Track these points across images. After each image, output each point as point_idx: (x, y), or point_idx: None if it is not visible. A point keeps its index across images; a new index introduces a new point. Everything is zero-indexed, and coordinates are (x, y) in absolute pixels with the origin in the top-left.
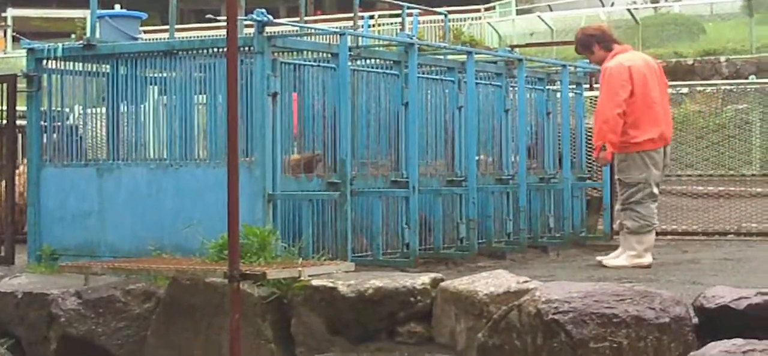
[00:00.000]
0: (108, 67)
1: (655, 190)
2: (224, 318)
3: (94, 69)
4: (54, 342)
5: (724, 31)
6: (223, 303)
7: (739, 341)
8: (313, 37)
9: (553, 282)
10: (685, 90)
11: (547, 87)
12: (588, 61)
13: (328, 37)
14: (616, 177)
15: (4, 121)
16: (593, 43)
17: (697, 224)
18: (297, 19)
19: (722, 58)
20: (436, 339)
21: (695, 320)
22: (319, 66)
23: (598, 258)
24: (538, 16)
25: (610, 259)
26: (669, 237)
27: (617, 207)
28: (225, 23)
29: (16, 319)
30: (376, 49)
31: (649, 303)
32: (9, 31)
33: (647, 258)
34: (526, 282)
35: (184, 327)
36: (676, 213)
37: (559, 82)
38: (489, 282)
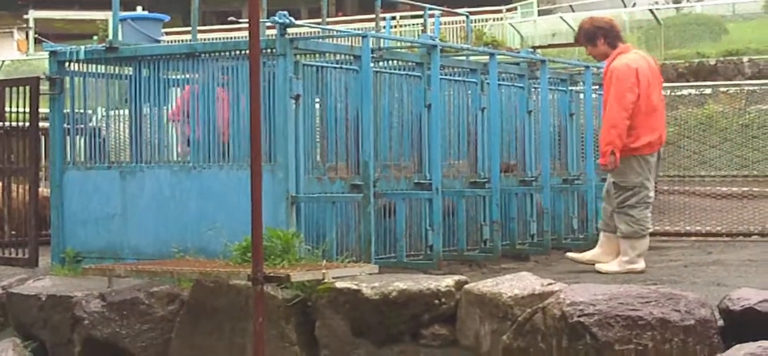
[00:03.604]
0: (130, 69)
1: (651, 194)
2: (248, 321)
3: (117, 71)
4: (78, 345)
5: (746, 31)
6: (247, 305)
7: (764, 343)
8: (335, 39)
9: (578, 284)
10: (708, 90)
11: (569, 88)
12: (587, 52)
13: (350, 38)
14: (611, 179)
15: (27, 124)
16: (599, 35)
17: (721, 225)
18: (319, 20)
19: (745, 59)
20: (461, 341)
21: (720, 322)
22: (341, 68)
23: (570, 255)
24: (560, 17)
25: (603, 264)
26: (693, 238)
27: (606, 206)
28: (247, 25)
29: (40, 322)
30: (399, 50)
31: (674, 305)
32: (31, 33)
33: (641, 264)
34: (550, 284)
35: (208, 329)
36: (700, 214)
37: (582, 83)
38: (513, 284)
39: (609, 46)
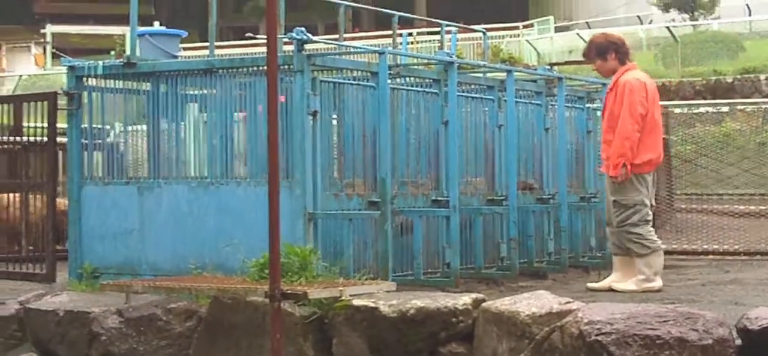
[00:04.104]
0: (148, 84)
1: (650, 213)
2: (265, 338)
3: (135, 86)
4: None
5: (763, 48)
6: (264, 322)
7: None
8: (352, 56)
9: (596, 303)
10: (725, 108)
11: (587, 105)
12: (594, 66)
13: (367, 55)
14: (610, 197)
15: (45, 139)
16: (611, 50)
17: (739, 243)
18: (336, 36)
19: (762, 76)
20: None
21: (738, 342)
22: (358, 84)
23: (590, 285)
24: (577, 34)
25: (620, 283)
26: (711, 256)
27: (608, 229)
28: (264, 41)
29: (58, 337)
30: (416, 67)
31: (692, 324)
32: (48, 48)
33: (658, 282)
34: (568, 303)
35: (226, 346)
36: (717, 232)
37: (599, 100)
38: (531, 302)
39: (618, 62)
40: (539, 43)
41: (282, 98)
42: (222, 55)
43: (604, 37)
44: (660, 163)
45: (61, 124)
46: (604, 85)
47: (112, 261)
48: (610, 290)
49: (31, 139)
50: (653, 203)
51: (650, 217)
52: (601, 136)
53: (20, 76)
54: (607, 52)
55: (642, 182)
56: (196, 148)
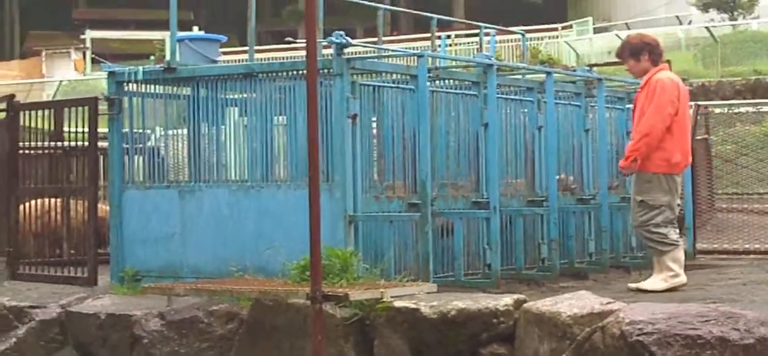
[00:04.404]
0: (188, 89)
1: (674, 216)
2: (307, 340)
3: (175, 91)
4: None
5: None
6: (305, 324)
7: None
8: (391, 59)
9: (637, 303)
10: (765, 108)
11: (626, 106)
12: (627, 66)
13: (406, 58)
14: (636, 197)
15: (86, 144)
16: (645, 51)
17: None
18: (374, 39)
19: None
20: None
21: None
22: (398, 87)
23: (631, 285)
24: (616, 34)
25: (645, 282)
26: (752, 256)
27: (634, 224)
28: (303, 45)
29: (99, 340)
30: (455, 70)
31: (733, 324)
32: (88, 53)
33: (683, 277)
34: (609, 303)
35: (267, 348)
36: (759, 231)
37: None
38: (572, 303)
39: (652, 63)
40: (578, 44)
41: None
42: (261, 60)
43: (640, 37)
44: (688, 165)
45: (102, 129)
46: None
47: (153, 264)
48: (639, 290)
49: (72, 143)
50: (679, 203)
51: (674, 222)
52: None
53: (60, 81)
54: (641, 52)
55: (671, 184)
56: (236, 152)
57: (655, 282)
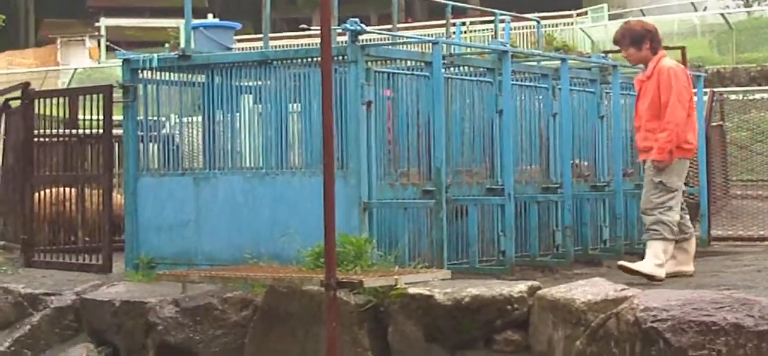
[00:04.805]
0: (203, 77)
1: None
2: (321, 326)
3: (189, 79)
4: (151, 350)
5: None
6: (320, 311)
7: None
8: (406, 46)
9: (651, 289)
10: None
11: None
12: (625, 53)
13: (421, 45)
14: (654, 179)
15: (101, 131)
16: (646, 39)
17: None
18: (389, 26)
19: None
20: (534, 347)
21: None
22: (412, 74)
23: (621, 262)
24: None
25: (636, 264)
26: (766, 243)
27: (646, 207)
28: (318, 32)
29: (114, 327)
30: (469, 56)
31: (748, 310)
32: (103, 41)
33: (664, 271)
34: (623, 289)
35: (282, 335)
36: None
37: None
38: (586, 290)
39: (652, 51)
40: (593, 30)
41: (388, 92)
42: (276, 47)
43: (641, 25)
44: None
45: (117, 117)
46: None
47: (168, 251)
48: (622, 269)
49: (87, 131)
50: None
51: (686, 208)
52: (641, 125)
53: (75, 69)
54: (642, 41)
55: (683, 167)
56: (251, 139)
57: (644, 265)
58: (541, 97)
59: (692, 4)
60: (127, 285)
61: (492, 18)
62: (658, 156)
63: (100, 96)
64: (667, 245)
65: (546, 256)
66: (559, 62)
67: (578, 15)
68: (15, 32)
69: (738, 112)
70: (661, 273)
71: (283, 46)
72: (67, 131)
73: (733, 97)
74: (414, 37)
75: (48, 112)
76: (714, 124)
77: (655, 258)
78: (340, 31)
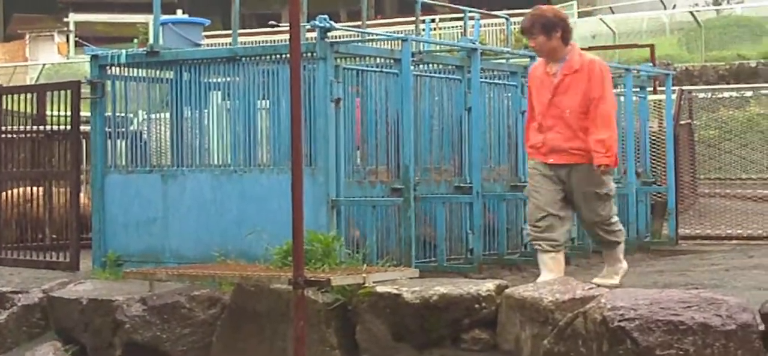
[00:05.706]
0: (171, 73)
1: None
2: (289, 325)
3: (158, 75)
4: (119, 349)
5: None
6: (287, 309)
7: None
8: (375, 43)
9: (619, 289)
10: (749, 93)
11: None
12: (532, 42)
13: (390, 42)
14: (593, 190)
15: (68, 128)
16: (558, 28)
17: (763, 228)
18: (358, 23)
19: None
20: (501, 346)
21: (762, 327)
22: (381, 71)
23: (596, 280)
24: (600, 19)
25: (605, 280)
26: (734, 241)
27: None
28: (287, 29)
29: (81, 326)
30: (439, 54)
31: (715, 310)
32: (71, 37)
33: (625, 263)
34: (591, 288)
35: (249, 333)
36: (741, 217)
37: (622, 86)
38: (554, 288)
39: (563, 41)
40: None
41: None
42: (245, 43)
43: (554, 12)
44: None
45: (85, 113)
46: (627, 70)
47: (135, 249)
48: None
49: (55, 128)
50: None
51: None
52: (564, 122)
53: (43, 64)
54: (554, 29)
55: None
56: (219, 136)
57: (610, 276)
58: (510, 94)
59: (662, 1)
60: (95, 283)
61: (461, 15)
62: (611, 160)
63: (68, 92)
64: (622, 246)
65: (514, 255)
66: (528, 60)
67: None
68: None
69: (706, 110)
70: (622, 272)
71: (252, 43)
72: (35, 127)
73: (701, 95)
74: (383, 34)
75: (15, 108)
76: (682, 122)
77: (615, 264)
78: (309, 27)
